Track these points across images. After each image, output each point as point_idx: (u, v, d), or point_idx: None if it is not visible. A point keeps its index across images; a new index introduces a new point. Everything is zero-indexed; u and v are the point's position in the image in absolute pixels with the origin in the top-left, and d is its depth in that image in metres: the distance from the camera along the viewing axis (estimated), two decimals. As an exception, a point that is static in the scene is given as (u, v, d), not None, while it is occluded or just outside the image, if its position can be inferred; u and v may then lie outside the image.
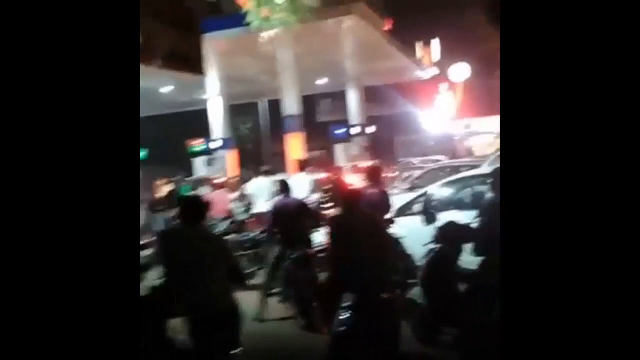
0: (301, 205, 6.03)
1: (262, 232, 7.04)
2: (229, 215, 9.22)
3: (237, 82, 20.54)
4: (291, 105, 16.45)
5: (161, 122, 28.12)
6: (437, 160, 16.53)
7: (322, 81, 22.20)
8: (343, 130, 21.33)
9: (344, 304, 3.97)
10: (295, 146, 16.65)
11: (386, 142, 25.13)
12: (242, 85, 21.31)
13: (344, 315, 3.92)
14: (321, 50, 17.13)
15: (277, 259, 5.86)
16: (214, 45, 16.82)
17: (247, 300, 6.15)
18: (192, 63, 6.14)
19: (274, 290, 6.03)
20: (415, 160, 17.76)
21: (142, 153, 22.16)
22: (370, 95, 26.15)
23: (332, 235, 4.32)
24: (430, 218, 4.84)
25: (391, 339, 3.84)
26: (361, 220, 4.31)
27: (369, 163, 17.90)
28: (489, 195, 5.01)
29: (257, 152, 29.71)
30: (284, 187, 6.12)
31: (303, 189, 8.14)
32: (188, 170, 23.13)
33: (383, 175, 15.40)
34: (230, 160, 20.52)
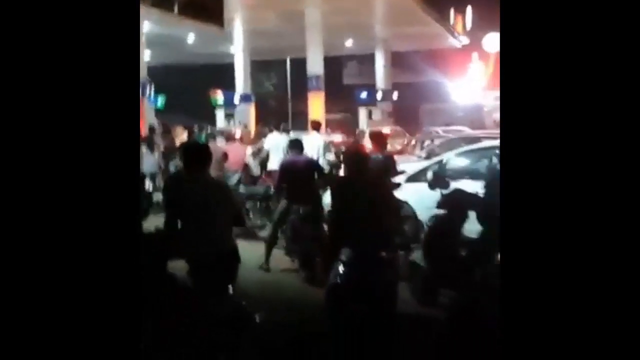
0: (311, 164, 6.09)
1: (272, 187, 7.13)
2: (244, 168, 9.33)
3: (261, 37, 20.35)
4: (314, 65, 16.31)
5: (188, 72, 28.24)
6: (460, 131, 16.32)
7: (349, 42, 21.85)
8: (368, 94, 21.22)
9: (341, 258, 4.04)
10: (315, 106, 16.57)
11: (412, 110, 24.80)
12: (267, 42, 21.10)
13: (339, 269, 3.99)
14: (350, 10, 16.78)
15: (283, 214, 5.96)
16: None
17: (254, 250, 6.41)
18: (210, 13, 6.04)
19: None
20: (440, 130, 17.57)
21: (160, 100, 22.49)
22: (399, 60, 25.72)
23: (335, 193, 4.37)
24: (441, 183, 4.83)
25: (385, 297, 3.90)
26: (365, 181, 4.33)
27: (389, 128, 17.89)
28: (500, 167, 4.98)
29: (280, 109, 29.65)
30: (295, 145, 6.16)
31: (315, 149, 8.17)
32: (211, 120, 23.37)
33: (402, 141, 15.45)
34: (249, 114, 20.60)
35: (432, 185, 4.92)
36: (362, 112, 20.89)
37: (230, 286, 3.39)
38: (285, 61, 28.11)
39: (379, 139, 6.40)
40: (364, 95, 20.66)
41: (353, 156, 4.58)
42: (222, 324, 2.75)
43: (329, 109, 28.72)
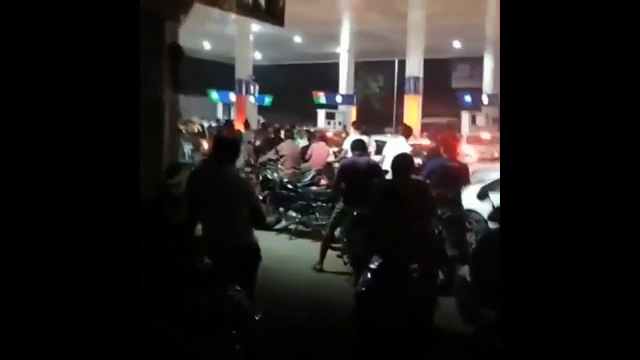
0: (371, 166, 5.96)
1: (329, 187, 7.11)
2: (327, 167, 9.41)
3: (367, 38, 20.35)
4: (413, 67, 15.96)
5: (293, 72, 29.15)
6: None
7: (456, 44, 21.11)
8: (472, 98, 20.38)
9: (370, 266, 3.94)
10: (411, 109, 16.24)
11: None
12: (373, 43, 21.06)
13: (367, 277, 3.89)
14: (458, 11, 16.21)
15: (339, 214, 5.92)
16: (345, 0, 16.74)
17: (316, 249, 6.47)
18: (271, 12, 6.09)
19: (335, 245, 6.13)
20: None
21: (268, 99, 23.39)
22: (511, 64, 24.32)
23: (374, 197, 4.27)
24: (481, 194, 4.54)
25: (411, 309, 3.73)
26: (407, 187, 4.18)
27: (489, 134, 16.99)
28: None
29: (384, 111, 29.48)
30: (357, 146, 6.08)
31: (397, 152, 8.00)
32: (314, 120, 23.90)
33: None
34: (349, 115, 20.69)
35: (479, 197, 4.62)
36: (465, 117, 20.09)
37: (251, 291, 3.43)
38: (393, 62, 27.82)
39: (449, 144, 6.08)
40: (467, 98, 19.86)
41: (399, 161, 4.45)
42: (215, 321, 2.78)
43: (435, 112, 28.04)
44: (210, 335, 2.80)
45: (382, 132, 13.84)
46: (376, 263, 3.94)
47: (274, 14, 6.65)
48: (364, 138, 9.22)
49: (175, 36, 6.09)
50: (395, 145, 8.60)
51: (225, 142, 3.62)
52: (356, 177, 5.74)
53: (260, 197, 8.24)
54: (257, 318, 3.16)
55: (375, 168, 6.02)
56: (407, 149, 8.12)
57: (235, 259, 3.35)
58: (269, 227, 7.76)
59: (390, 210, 4.08)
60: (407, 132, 9.39)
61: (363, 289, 3.86)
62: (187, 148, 10.05)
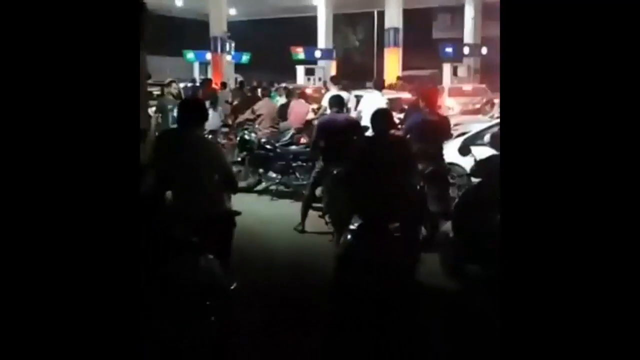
0: (350, 123, 5.76)
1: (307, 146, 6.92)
2: (306, 125, 9.20)
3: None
4: (392, 17, 15.54)
5: (271, 27, 28.32)
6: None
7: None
8: (453, 49, 20.04)
9: (350, 227, 3.82)
10: (392, 62, 15.92)
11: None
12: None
13: (347, 238, 3.79)
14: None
15: (319, 174, 5.77)
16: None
17: (292, 210, 6.35)
18: None
19: (316, 205, 6.02)
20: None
21: (245, 57, 22.81)
22: (492, 13, 23.93)
23: (352, 154, 4.11)
24: (462, 149, 4.41)
25: (392, 271, 3.64)
26: (388, 146, 4.02)
27: (470, 86, 16.81)
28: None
29: (365, 65, 28.92)
30: (335, 102, 5.86)
31: (374, 107, 7.78)
32: (293, 77, 23.41)
33: (480, 100, 14.45)
34: (329, 71, 20.27)
35: (460, 152, 4.50)
36: (447, 68, 19.76)
37: (226, 258, 3.30)
38: (372, 14, 27.14)
39: (428, 97, 5.88)
40: (448, 50, 19.48)
41: (376, 117, 4.26)
42: (187, 292, 2.66)
43: (417, 65, 27.58)
44: (183, 307, 2.69)
45: (363, 87, 13.53)
46: (356, 224, 3.83)
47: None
48: (344, 94, 8.97)
49: (137, -8, 5.76)
50: (370, 100, 8.38)
51: (191, 104, 3.40)
52: (335, 134, 5.55)
53: (239, 159, 8.06)
54: (232, 288, 3.06)
55: (355, 125, 5.82)
56: (383, 103, 7.91)
57: (207, 227, 3.20)
58: (249, 189, 7.62)
59: (368, 168, 3.94)
60: (380, 85, 9.12)
61: (342, 251, 3.76)
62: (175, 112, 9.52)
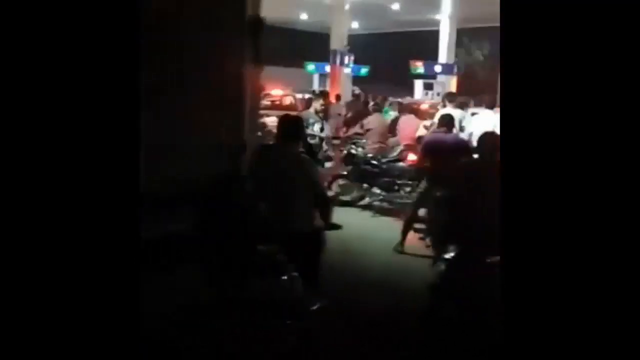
0: (458, 144, 5.50)
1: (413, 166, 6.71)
2: (417, 142, 8.98)
3: (471, 2, 19.05)
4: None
5: (391, 40, 28.22)
6: None
7: None
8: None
9: (445, 256, 3.61)
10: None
11: None
12: (477, 7, 19.68)
13: (441, 267, 3.58)
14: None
15: (423, 194, 5.58)
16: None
17: (393, 228, 6.19)
18: None
19: (417, 226, 5.82)
20: None
21: (364, 70, 22.91)
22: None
23: (458, 180, 3.89)
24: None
25: (485, 307, 3.37)
26: (496, 173, 3.74)
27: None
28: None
29: (489, 80, 27.71)
30: (444, 121, 5.64)
31: (485, 128, 7.36)
32: (411, 90, 23.11)
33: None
34: (449, 86, 19.68)
35: None
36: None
37: (314, 276, 3.28)
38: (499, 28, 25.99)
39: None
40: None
41: (484, 140, 3.99)
42: (266, 309, 2.66)
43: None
44: (262, 325, 2.69)
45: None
46: (452, 253, 3.61)
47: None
48: (458, 112, 8.61)
49: (257, 8, 5.98)
50: (481, 120, 7.91)
51: (287, 120, 3.43)
52: (441, 154, 5.34)
53: (345, 173, 8.07)
54: (314, 308, 3.01)
55: (463, 146, 5.54)
56: (495, 124, 7.41)
57: (295, 245, 3.19)
58: (352, 204, 7.59)
59: (471, 194, 3.70)
60: (492, 103, 8.42)
61: (435, 280, 3.56)
62: (317, 127, 8.75)
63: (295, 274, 2.96)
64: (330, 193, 6.80)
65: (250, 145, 4.54)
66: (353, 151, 7.81)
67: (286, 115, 3.56)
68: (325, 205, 3.37)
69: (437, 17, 21.92)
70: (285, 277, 2.87)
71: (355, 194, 7.74)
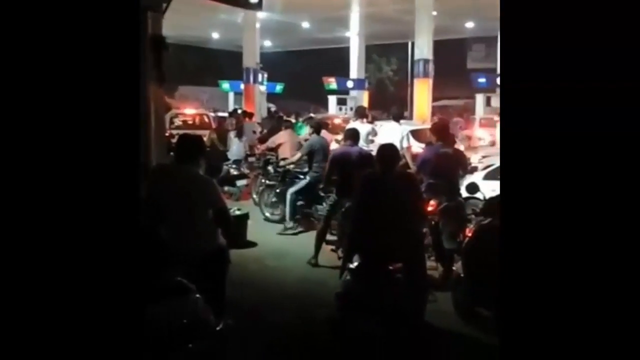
0: (363, 156, 5.68)
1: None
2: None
3: (378, 21, 19.83)
4: (422, 49, 15.48)
5: (304, 57, 28.72)
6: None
7: (469, 24, 20.46)
8: (486, 79, 19.79)
9: (350, 266, 3.71)
10: (421, 93, 15.78)
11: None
12: (384, 25, 20.53)
13: (346, 278, 3.67)
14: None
15: (332, 207, 5.69)
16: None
17: (306, 243, 6.24)
18: None
19: (330, 238, 5.92)
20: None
21: (279, 87, 23.11)
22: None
23: (358, 190, 4.01)
24: (469, 187, 4.25)
25: (391, 314, 3.49)
26: (394, 182, 3.89)
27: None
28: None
29: (398, 95, 28.88)
30: (349, 135, 5.82)
31: (391, 140, 7.64)
32: (325, 106, 23.53)
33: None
34: (361, 101, 20.30)
35: (467, 190, 4.34)
36: (479, 99, 19.52)
37: (220, 298, 3.24)
38: (406, 44, 27.17)
39: (439, 130, 5.71)
40: (481, 80, 19.24)
41: (382, 151, 4.16)
42: (167, 333, 2.60)
43: (451, 94, 27.19)
44: (164, 350, 2.62)
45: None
46: (356, 263, 3.71)
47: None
48: (366, 126, 8.89)
49: (158, 27, 5.88)
50: (386, 132, 8.21)
51: (186, 140, 3.40)
52: (347, 167, 5.49)
53: (261, 188, 8.07)
54: (217, 328, 2.98)
55: (367, 158, 5.73)
56: (399, 135, 7.67)
57: (198, 265, 3.15)
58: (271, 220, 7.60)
59: (370, 204, 3.83)
60: (398, 115, 8.66)
61: (340, 290, 3.64)
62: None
63: (197, 295, 2.91)
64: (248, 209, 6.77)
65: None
66: (268, 167, 7.87)
67: (185, 135, 3.52)
68: (227, 222, 3.35)
69: (347, 34, 22.60)
70: (188, 299, 2.81)
71: (273, 209, 7.76)
